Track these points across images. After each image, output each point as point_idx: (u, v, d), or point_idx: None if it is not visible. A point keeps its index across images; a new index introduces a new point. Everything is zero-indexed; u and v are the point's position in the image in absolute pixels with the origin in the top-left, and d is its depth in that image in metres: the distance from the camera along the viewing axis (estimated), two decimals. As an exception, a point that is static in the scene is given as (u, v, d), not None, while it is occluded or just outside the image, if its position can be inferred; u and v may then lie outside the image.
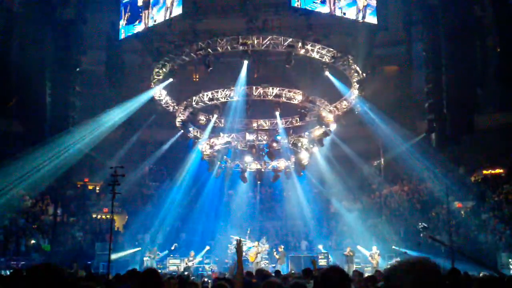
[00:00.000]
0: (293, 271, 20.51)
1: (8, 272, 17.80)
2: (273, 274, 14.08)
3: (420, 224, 24.10)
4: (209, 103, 24.65)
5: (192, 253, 25.45)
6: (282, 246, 26.42)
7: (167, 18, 21.93)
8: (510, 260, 21.67)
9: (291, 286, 4.09)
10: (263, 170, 30.30)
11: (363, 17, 21.33)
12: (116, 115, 27.25)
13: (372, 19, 21.67)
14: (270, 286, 4.52)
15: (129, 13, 23.89)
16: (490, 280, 4.10)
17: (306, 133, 27.75)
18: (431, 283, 2.50)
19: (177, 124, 26.38)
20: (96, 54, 30.10)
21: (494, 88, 27.25)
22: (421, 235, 23.15)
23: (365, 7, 21.26)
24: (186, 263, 24.46)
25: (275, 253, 25.92)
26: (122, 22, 24.19)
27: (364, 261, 25.29)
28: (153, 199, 32.99)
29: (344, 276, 3.51)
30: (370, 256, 24.68)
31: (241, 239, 6.31)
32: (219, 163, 28.95)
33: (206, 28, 23.15)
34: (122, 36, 24.42)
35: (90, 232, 28.70)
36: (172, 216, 30.50)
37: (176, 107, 25.72)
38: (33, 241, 25.30)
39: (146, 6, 22.87)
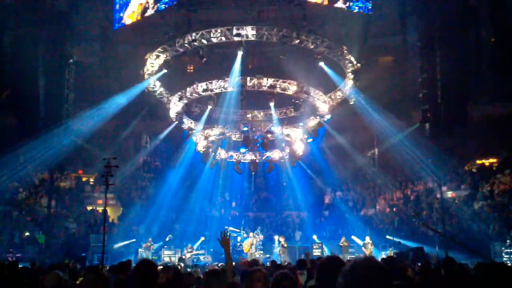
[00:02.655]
0: (286, 262, 20.61)
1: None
2: (267, 264, 14.14)
3: (412, 211, 24.28)
4: (203, 94, 24.58)
5: (189, 245, 25.51)
6: (283, 237, 26.43)
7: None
8: (502, 248, 21.82)
9: (276, 276, 4.07)
10: (257, 161, 30.33)
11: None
12: (110, 107, 27.15)
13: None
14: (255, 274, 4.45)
15: (121, 2, 23.91)
16: (494, 267, 4.08)
17: (301, 123, 27.76)
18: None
19: (171, 115, 26.32)
20: (90, 46, 29.92)
21: (488, 78, 27.30)
22: (414, 221, 23.34)
23: None
24: (185, 254, 24.52)
25: (278, 242, 25.93)
26: (116, 12, 24.20)
27: (359, 251, 25.41)
28: (148, 191, 32.95)
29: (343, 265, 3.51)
30: (364, 246, 24.82)
31: (226, 230, 6.24)
32: (213, 154, 28.93)
33: (200, 19, 23.09)
34: (124, 19, 24.42)
35: (84, 224, 28.65)
36: (167, 207, 30.47)
37: (170, 98, 25.64)
38: (27, 233, 25.25)
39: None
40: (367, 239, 24.83)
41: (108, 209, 24.22)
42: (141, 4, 23.11)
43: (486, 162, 30.36)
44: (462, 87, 25.05)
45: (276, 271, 4.70)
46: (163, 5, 22.40)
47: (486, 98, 30.44)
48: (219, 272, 5.35)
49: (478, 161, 30.62)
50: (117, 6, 24.78)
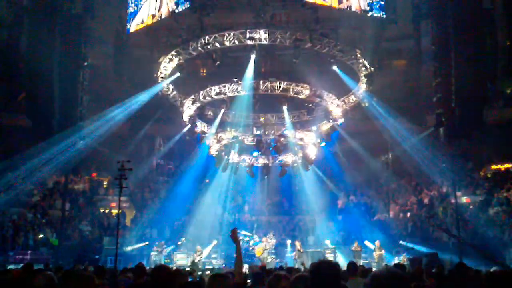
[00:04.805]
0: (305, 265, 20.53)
1: (14, 266, 17.87)
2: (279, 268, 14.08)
3: (427, 214, 24.08)
4: (217, 97, 24.64)
5: (199, 247, 25.45)
6: (299, 241, 26.33)
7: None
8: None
9: (294, 279, 4.07)
10: (270, 164, 30.26)
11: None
12: (123, 110, 27.28)
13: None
14: (277, 279, 4.44)
15: (135, 7, 24.11)
16: (501, 275, 4.03)
17: (314, 127, 27.68)
18: None
19: (185, 118, 26.39)
20: (104, 49, 30.14)
21: (504, 82, 27.02)
22: (428, 223, 23.13)
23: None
24: (195, 258, 24.50)
25: (292, 246, 25.85)
26: (130, 14, 24.44)
27: (372, 256, 25.23)
28: (161, 194, 33.03)
29: (336, 270, 3.53)
30: (374, 250, 24.67)
31: (236, 228, 6.15)
32: (226, 157, 28.93)
33: (214, 23, 23.15)
34: (130, 29, 24.61)
35: (98, 226, 28.79)
36: (180, 210, 30.53)
37: (184, 102, 25.71)
38: (41, 236, 25.39)
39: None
40: (377, 243, 24.64)
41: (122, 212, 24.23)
42: (153, 15, 23.21)
43: (502, 167, 29.99)
44: (477, 91, 24.82)
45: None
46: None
47: (501, 102, 30.11)
48: (220, 276, 5.21)
49: (494, 166, 30.26)
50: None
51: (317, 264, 3.61)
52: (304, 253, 25.21)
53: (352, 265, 9.28)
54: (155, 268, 5.15)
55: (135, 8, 24.31)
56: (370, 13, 21.92)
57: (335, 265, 3.63)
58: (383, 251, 24.23)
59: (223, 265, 24.50)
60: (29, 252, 23.10)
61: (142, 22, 23.89)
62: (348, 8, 21.25)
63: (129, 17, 24.72)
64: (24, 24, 27.25)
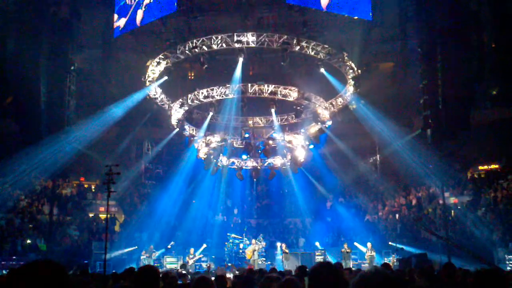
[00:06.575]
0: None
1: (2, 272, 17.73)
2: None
3: (414, 216, 24.21)
4: (205, 100, 24.62)
5: (192, 250, 25.41)
6: (285, 244, 26.40)
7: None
8: (506, 255, 21.72)
9: (283, 283, 4.03)
10: (259, 167, 30.30)
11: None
12: (111, 114, 27.16)
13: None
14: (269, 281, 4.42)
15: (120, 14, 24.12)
16: (488, 273, 4.07)
17: (302, 130, 27.76)
18: None
19: (173, 122, 26.34)
20: (91, 53, 29.95)
21: (490, 83, 27.24)
22: (415, 225, 23.25)
23: None
24: (187, 261, 24.44)
25: (281, 248, 25.87)
26: (116, 20, 24.36)
27: (361, 258, 25.30)
28: (150, 198, 32.89)
29: (335, 271, 3.43)
30: (366, 252, 24.71)
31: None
32: (215, 161, 28.91)
33: (201, 26, 23.13)
34: (118, 32, 24.56)
35: (86, 231, 28.59)
36: (169, 214, 30.41)
37: (172, 105, 25.67)
38: (29, 241, 25.22)
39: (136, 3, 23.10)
40: (369, 245, 24.70)
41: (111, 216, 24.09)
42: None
43: (489, 168, 30.23)
44: (463, 93, 24.98)
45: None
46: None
47: (488, 103, 30.36)
48: (207, 280, 5.08)
49: (481, 167, 30.49)
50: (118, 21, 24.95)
51: (316, 267, 3.48)
52: (291, 255, 25.32)
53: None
54: (140, 269, 5.11)
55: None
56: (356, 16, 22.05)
57: (335, 269, 3.49)
58: (374, 253, 24.31)
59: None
60: (17, 258, 22.93)
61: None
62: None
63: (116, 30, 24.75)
64: (10, 28, 27.05)
